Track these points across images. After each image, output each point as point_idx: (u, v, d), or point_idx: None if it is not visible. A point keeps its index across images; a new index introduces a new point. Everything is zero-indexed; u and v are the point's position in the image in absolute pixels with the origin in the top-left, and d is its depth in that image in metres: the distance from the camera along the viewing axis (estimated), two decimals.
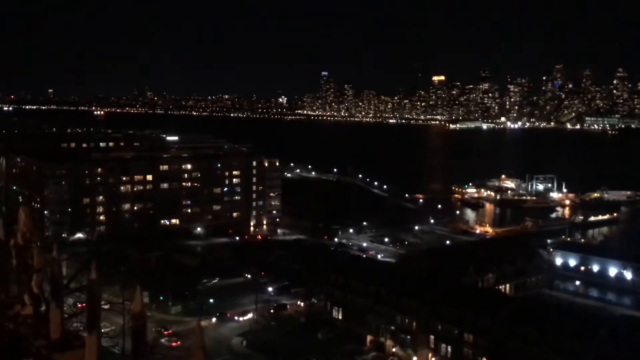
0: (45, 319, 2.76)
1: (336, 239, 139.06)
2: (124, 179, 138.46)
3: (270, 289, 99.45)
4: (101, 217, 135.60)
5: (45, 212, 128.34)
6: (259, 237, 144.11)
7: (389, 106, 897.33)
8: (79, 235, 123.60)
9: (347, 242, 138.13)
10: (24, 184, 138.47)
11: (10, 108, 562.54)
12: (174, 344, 78.86)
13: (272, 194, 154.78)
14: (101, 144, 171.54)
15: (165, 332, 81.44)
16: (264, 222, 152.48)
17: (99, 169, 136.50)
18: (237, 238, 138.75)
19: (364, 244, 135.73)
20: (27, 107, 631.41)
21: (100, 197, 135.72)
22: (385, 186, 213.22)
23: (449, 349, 74.64)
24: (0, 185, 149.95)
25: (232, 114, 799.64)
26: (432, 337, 76.79)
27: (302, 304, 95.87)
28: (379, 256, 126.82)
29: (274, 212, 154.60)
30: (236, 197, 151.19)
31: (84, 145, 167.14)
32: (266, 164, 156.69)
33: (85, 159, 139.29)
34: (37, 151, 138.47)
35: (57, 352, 2.56)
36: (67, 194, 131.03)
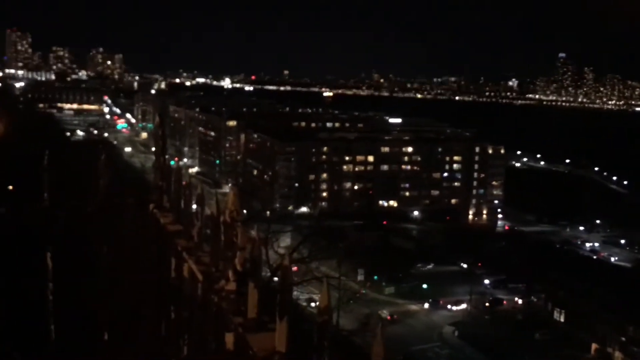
0: (246, 297, 2.50)
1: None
2: (347, 158, 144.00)
3: (486, 281, 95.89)
4: (324, 194, 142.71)
5: (275, 186, 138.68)
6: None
7: (636, 92, 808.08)
8: (303, 209, 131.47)
9: (576, 240, 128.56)
10: (258, 159, 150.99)
11: (251, 88, 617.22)
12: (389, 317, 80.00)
13: (494, 183, 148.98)
14: (328, 124, 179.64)
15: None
16: (484, 212, 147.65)
17: (325, 148, 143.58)
18: (455, 225, 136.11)
19: (596, 244, 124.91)
20: (266, 87, 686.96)
21: (324, 175, 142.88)
22: (626, 182, 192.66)
23: None
24: (239, 158, 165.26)
25: (457, 97, 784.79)
26: None
27: (519, 300, 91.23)
28: (612, 259, 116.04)
29: (495, 201, 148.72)
30: (455, 184, 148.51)
31: (312, 125, 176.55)
32: (490, 151, 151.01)
33: (312, 138, 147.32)
34: (271, 129, 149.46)
35: (250, 332, 2.28)
36: (295, 170, 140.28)
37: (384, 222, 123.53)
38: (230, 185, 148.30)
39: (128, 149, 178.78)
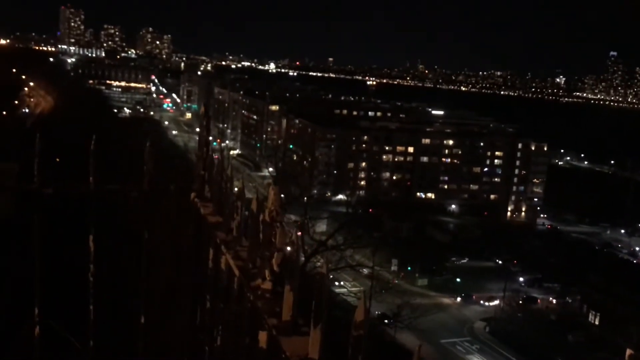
0: (281, 298, 2.54)
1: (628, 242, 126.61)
2: (387, 148, 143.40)
3: (521, 279, 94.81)
4: (362, 182, 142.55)
5: (314, 172, 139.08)
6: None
7: None
8: (340, 196, 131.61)
9: (616, 243, 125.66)
10: (299, 144, 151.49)
11: (295, 73, 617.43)
12: None
13: (535, 180, 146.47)
14: (370, 113, 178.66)
15: None
16: (523, 209, 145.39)
17: (365, 137, 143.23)
18: (492, 221, 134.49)
19: (637, 248, 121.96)
20: (310, 73, 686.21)
21: (363, 164, 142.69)
22: None
23: None
24: (279, 143, 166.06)
25: (502, 92, 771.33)
26: None
27: (554, 300, 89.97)
28: None
29: (535, 199, 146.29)
30: (495, 179, 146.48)
31: (354, 113, 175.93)
32: (533, 148, 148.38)
33: (353, 126, 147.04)
34: (312, 115, 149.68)
35: (284, 335, 2.33)
36: (334, 157, 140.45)
37: (419, 214, 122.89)
38: (269, 169, 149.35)
39: (174, 131, 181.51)
